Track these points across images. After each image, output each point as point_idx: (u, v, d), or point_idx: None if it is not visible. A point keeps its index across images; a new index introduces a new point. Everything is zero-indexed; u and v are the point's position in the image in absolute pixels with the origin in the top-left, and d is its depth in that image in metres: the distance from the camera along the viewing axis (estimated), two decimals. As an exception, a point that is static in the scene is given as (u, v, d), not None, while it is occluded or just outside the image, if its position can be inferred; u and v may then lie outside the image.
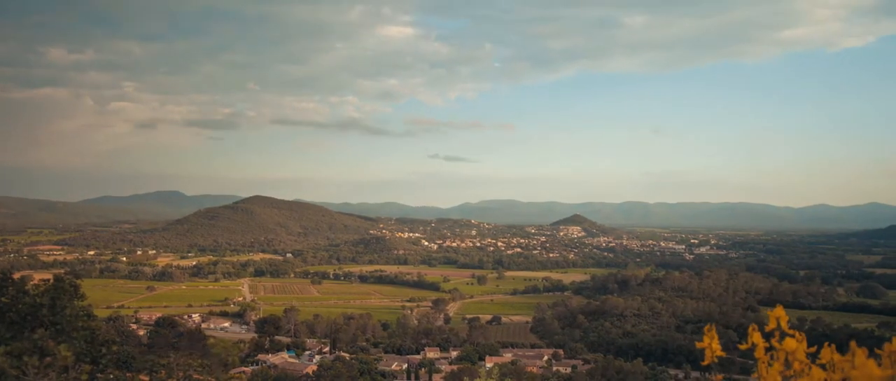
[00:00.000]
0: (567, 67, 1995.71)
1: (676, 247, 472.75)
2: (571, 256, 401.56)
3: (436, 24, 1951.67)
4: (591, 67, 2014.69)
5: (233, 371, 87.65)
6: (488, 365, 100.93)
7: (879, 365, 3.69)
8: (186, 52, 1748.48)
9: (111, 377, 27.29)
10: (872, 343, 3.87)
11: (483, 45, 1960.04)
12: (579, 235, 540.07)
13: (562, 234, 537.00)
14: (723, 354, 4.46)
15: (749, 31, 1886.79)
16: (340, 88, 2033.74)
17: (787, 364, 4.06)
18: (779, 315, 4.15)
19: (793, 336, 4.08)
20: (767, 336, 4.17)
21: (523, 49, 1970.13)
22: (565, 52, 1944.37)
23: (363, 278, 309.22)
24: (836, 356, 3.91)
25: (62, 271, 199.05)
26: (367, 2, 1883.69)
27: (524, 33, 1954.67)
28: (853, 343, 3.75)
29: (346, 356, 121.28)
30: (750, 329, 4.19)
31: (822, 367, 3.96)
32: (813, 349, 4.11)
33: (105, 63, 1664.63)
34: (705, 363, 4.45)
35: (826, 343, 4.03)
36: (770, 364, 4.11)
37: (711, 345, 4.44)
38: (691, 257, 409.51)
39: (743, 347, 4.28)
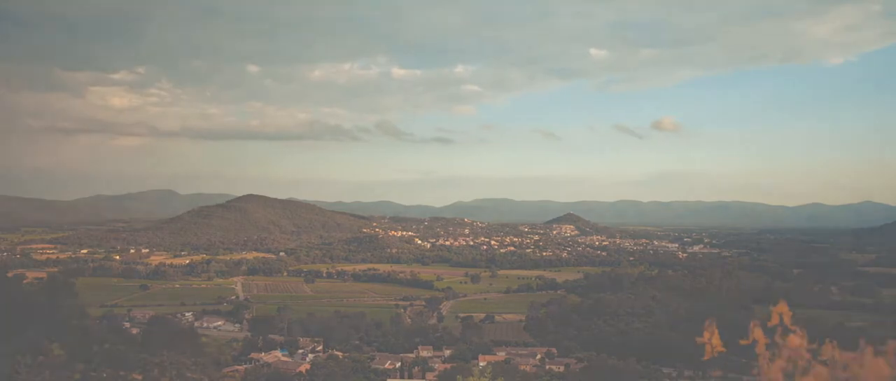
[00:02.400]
0: (551, 81, 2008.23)
1: (670, 245, 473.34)
2: (565, 254, 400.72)
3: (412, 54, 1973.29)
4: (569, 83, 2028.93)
5: (226, 370, 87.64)
6: (481, 364, 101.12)
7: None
8: (185, 72, 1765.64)
9: (104, 375, 27.19)
10: (867, 342, 3.85)
11: (457, 67, 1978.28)
12: (573, 233, 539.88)
13: (555, 232, 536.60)
14: (723, 349, 4.44)
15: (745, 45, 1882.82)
16: (329, 102, 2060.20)
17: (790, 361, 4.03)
18: (781, 311, 4.13)
19: (795, 332, 4.05)
20: (769, 333, 4.15)
21: (498, 71, 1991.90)
22: (542, 71, 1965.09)
23: (356, 277, 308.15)
24: (839, 354, 3.89)
25: (56, 269, 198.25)
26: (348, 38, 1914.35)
27: (497, 61, 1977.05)
28: (862, 340, 3.73)
29: (340, 354, 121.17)
30: (751, 325, 4.17)
31: (824, 364, 3.93)
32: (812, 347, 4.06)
33: (105, 80, 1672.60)
34: (706, 358, 4.43)
35: (827, 340, 4.00)
36: (772, 360, 4.09)
37: (712, 340, 4.42)
38: (685, 255, 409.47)
39: (744, 342, 4.26)
